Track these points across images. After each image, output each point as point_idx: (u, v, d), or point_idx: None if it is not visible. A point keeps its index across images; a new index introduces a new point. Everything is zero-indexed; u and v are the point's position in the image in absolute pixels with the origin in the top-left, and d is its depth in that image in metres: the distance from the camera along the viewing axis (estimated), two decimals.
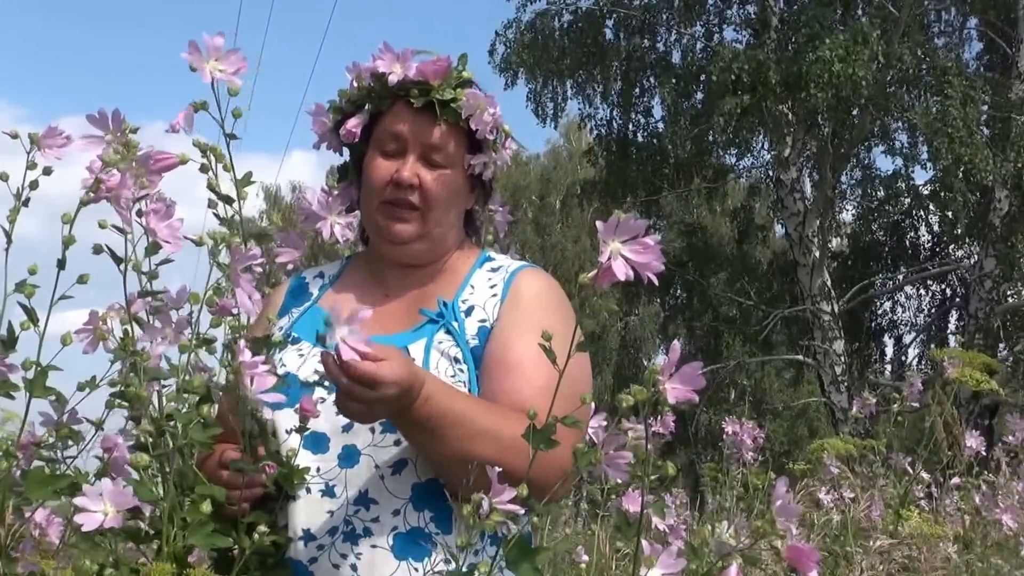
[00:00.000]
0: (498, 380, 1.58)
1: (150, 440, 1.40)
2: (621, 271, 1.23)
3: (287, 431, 1.55)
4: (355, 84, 1.71)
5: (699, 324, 16.67)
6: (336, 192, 1.77)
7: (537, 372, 1.46)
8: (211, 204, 1.54)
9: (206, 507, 1.35)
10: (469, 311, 1.66)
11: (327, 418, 1.57)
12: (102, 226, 1.41)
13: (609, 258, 1.23)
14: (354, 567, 1.53)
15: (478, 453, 1.42)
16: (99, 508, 1.26)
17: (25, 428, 1.43)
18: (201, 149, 1.51)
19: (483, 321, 1.65)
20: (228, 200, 1.53)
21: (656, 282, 1.25)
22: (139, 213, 1.41)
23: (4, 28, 45.04)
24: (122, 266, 1.39)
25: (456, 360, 1.60)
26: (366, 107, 1.72)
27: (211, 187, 1.52)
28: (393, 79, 1.66)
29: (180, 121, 1.47)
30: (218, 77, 1.46)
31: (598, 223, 1.24)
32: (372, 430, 1.57)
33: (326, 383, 1.56)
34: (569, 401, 1.35)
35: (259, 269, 1.50)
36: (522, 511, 1.29)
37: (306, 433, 1.55)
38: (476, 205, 1.80)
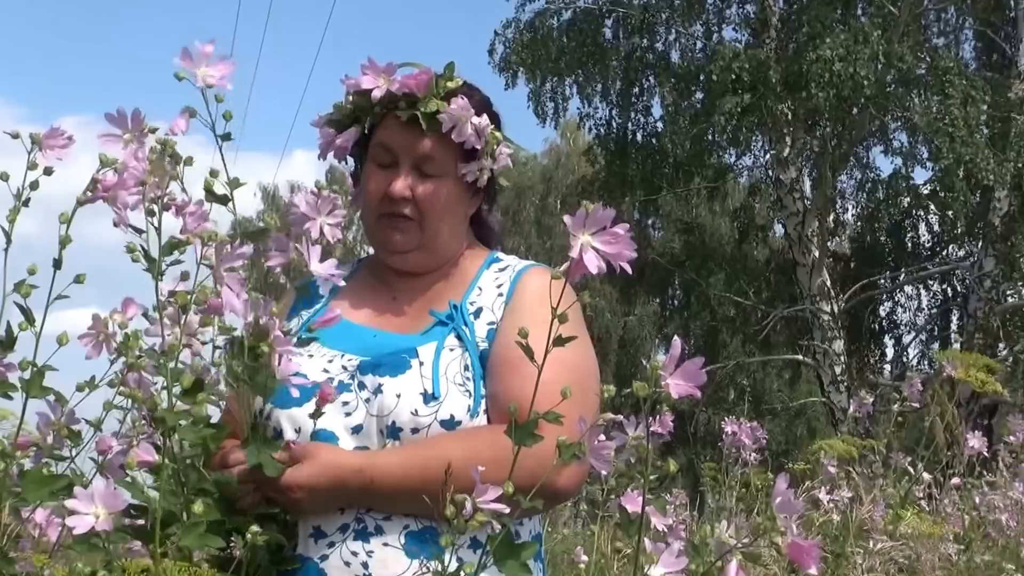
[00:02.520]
0: (502, 379, 1.58)
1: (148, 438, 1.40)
2: (593, 263, 1.23)
3: (295, 430, 1.56)
4: (350, 97, 1.72)
5: (697, 324, 16.67)
6: (350, 197, 1.77)
7: (539, 371, 1.42)
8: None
9: (198, 507, 1.34)
10: (477, 313, 1.67)
11: (337, 418, 1.58)
12: (115, 225, 1.42)
13: (580, 251, 1.23)
14: (365, 565, 1.53)
15: (463, 485, 1.34)
16: (90, 511, 1.26)
17: (22, 428, 1.43)
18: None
19: (491, 323, 1.66)
20: (223, 201, 1.53)
21: (630, 270, 1.24)
22: (150, 213, 1.42)
23: (4, 28, 45.08)
24: (152, 267, 1.39)
25: (466, 367, 1.61)
26: (360, 120, 1.72)
27: (208, 188, 1.52)
28: (377, 94, 1.67)
29: (180, 125, 1.49)
30: (209, 82, 1.48)
31: (566, 217, 1.23)
32: (382, 432, 1.57)
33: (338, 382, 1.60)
34: (577, 396, 1.33)
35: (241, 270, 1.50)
36: (506, 510, 1.27)
37: (316, 431, 1.55)
38: (484, 206, 1.80)
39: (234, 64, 1.49)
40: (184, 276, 1.44)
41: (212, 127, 1.49)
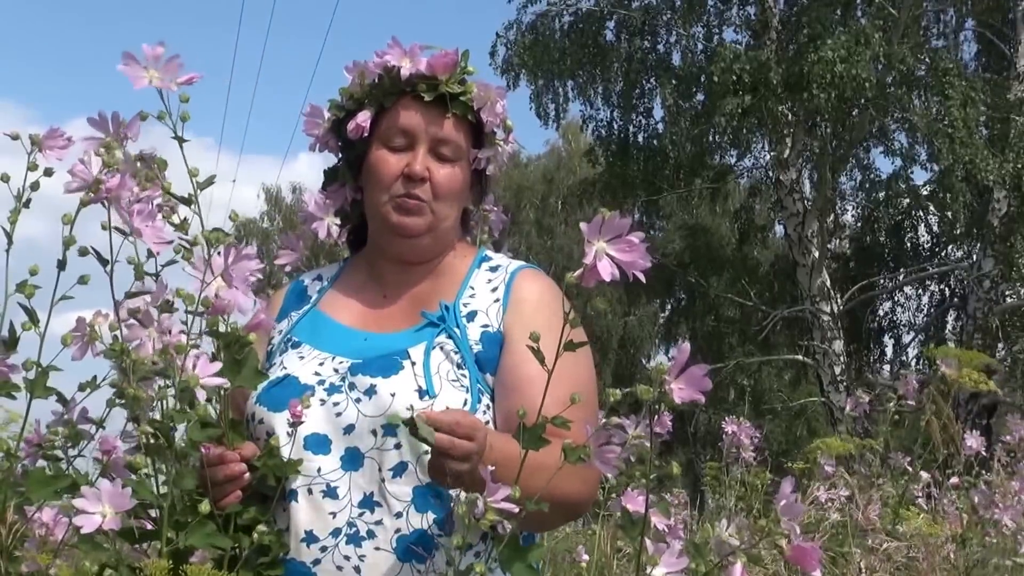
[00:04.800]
0: (518, 397, 1.57)
1: (149, 441, 1.40)
2: (606, 271, 1.23)
3: (287, 433, 1.55)
4: (359, 81, 1.71)
5: (700, 325, 16.66)
6: (328, 194, 1.78)
7: (554, 386, 1.40)
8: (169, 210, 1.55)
9: (204, 507, 1.35)
10: (471, 316, 1.66)
11: (328, 420, 1.58)
12: (104, 227, 1.41)
13: (595, 258, 1.23)
14: (357, 569, 1.53)
15: (537, 488, 1.35)
16: (97, 509, 1.26)
17: (28, 428, 1.43)
18: (139, 159, 1.51)
19: (486, 327, 1.65)
20: (187, 201, 1.53)
21: (643, 279, 1.24)
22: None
23: (11, 30, 45.06)
24: (107, 268, 1.39)
25: (459, 365, 1.60)
26: (368, 103, 1.71)
27: (166, 191, 1.52)
28: (405, 72, 1.67)
29: (132, 130, 1.50)
30: (156, 85, 1.47)
31: (582, 224, 1.23)
32: (374, 433, 1.56)
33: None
34: (589, 408, 1.34)
35: (255, 277, 1.49)
36: (516, 509, 1.27)
37: (308, 434, 1.56)
38: (471, 203, 1.81)
39: (180, 63, 1.48)
40: (139, 272, 1.42)
41: (173, 128, 1.50)
